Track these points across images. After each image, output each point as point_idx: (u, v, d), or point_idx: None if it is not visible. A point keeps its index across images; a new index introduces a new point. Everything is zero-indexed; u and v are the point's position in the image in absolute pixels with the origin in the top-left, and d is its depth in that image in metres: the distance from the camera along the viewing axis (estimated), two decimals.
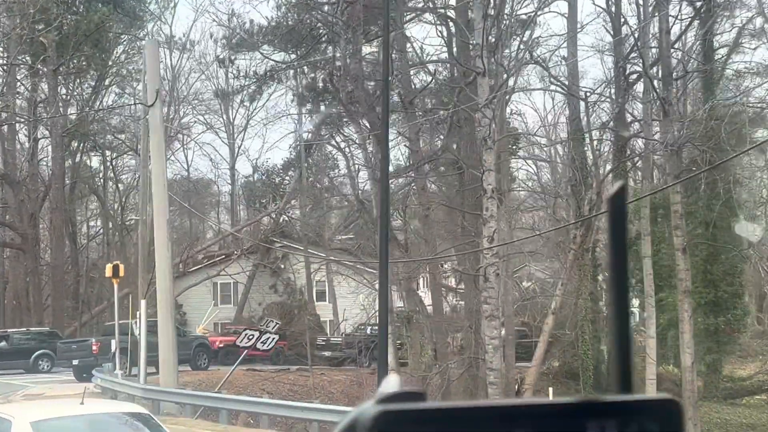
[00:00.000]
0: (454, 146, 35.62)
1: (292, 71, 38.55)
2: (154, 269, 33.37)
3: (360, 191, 36.75)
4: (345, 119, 34.73)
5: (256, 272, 62.30)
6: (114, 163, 68.94)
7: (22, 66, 54.82)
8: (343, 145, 45.34)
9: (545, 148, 44.78)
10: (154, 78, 25.84)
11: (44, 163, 61.57)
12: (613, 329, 1.08)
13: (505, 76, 27.52)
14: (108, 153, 67.52)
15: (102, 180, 68.75)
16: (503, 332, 25.37)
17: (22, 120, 54.63)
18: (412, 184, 33.92)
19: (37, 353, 40.50)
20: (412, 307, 32.23)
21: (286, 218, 67.66)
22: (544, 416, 0.99)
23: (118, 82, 65.48)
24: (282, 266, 64.26)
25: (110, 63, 62.26)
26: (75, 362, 35.00)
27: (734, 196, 40.79)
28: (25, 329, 44.48)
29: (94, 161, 68.99)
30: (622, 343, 1.06)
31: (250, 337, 26.99)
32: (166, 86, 63.46)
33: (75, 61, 55.53)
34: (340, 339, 44.72)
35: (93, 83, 61.54)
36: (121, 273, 32.02)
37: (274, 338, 27.21)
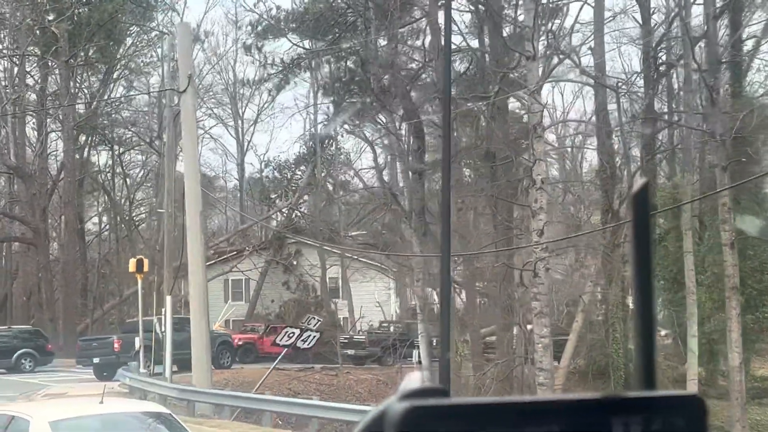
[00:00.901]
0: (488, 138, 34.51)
1: (315, 62, 37.29)
2: (179, 263, 32.24)
3: (386, 184, 35.49)
4: (373, 109, 33.46)
5: (268, 269, 61.17)
6: (122, 158, 67.65)
7: (33, 57, 53.52)
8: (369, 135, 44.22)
9: (572, 140, 43.61)
10: (186, 62, 24.63)
11: (52, 158, 60.43)
12: (636, 326, 1.09)
13: (555, 60, 26.27)
14: (116, 148, 66.23)
15: (111, 175, 67.45)
16: (545, 330, 24.14)
17: (32, 111, 53.37)
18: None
19: (19, 352, 39.17)
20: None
21: (299, 213, 66.51)
22: (569, 412, 0.99)
23: (126, 75, 64.28)
24: (295, 263, 63.12)
25: (120, 55, 61.08)
26: (96, 360, 33.77)
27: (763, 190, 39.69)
28: (6, 327, 43.11)
29: (102, 156, 67.84)
30: (646, 340, 1.08)
31: (291, 335, 25.78)
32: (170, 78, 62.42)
33: (88, 52, 54.18)
34: (363, 337, 43.45)
35: (102, 76, 60.25)
36: (146, 268, 30.83)
37: (315, 336, 26.03)
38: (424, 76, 31.04)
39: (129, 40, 61.02)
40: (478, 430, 0.98)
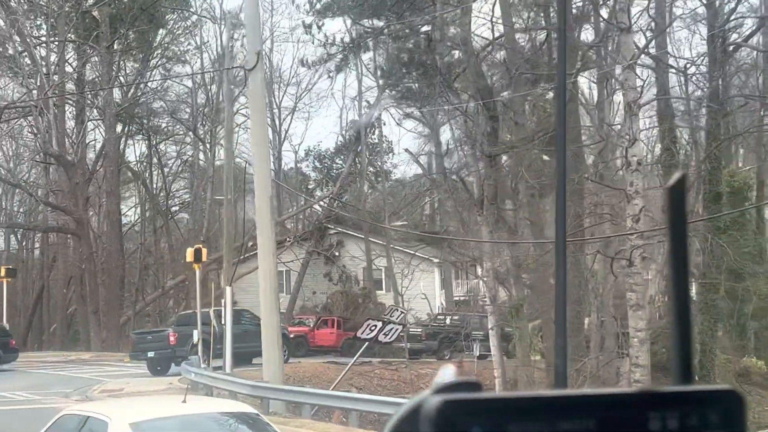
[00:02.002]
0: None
1: (373, 42, 35.69)
2: (241, 250, 30.81)
3: (448, 169, 33.89)
4: (438, 90, 31.84)
5: (309, 260, 59.74)
6: (158, 148, 66.28)
7: (73, 43, 52.18)
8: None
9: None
10: (255, 37, 23.12)
11: (89, 147, 59.18)
12: (673, 319, 1.09)
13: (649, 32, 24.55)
14: (153, 137, 64.89)
15: (149, 164, 66.12)
16: (642, 323, 22.49)
17: (75, 94, 52.06)
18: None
19: None
20: (521, 294, 29.36)
21: (343, 203, 65.02)
22: (605, 407, 0.98)
23: (164, 63, 62.94)
24: (337, 253, 61.69)
25: (158, 43, 59.78)
26: (150, 354, 32.36)
27: None
28: None
29: (136, 146, 66.53)
30: (683, 334, 1.07)
31: (373, 327, 24.28)
32: (209, 64, 61.04)
33: (129, 38, 52.81)
34: (419, 330, 41.87)
35: (139, 64, 58.88)
36: (204, 258, 29.41)
37: (397, 329, 24.50)
38: (495, 52, 29.44)
39: (166, 28, 59.72)
40: (513, 424, 0.96)
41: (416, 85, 35.95)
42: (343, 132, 65.83)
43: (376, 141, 67.20)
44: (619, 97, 32.61)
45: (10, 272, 46.31)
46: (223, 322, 28.69)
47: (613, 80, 24.29)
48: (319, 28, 37.06)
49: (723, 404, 0.98)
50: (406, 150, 51.93)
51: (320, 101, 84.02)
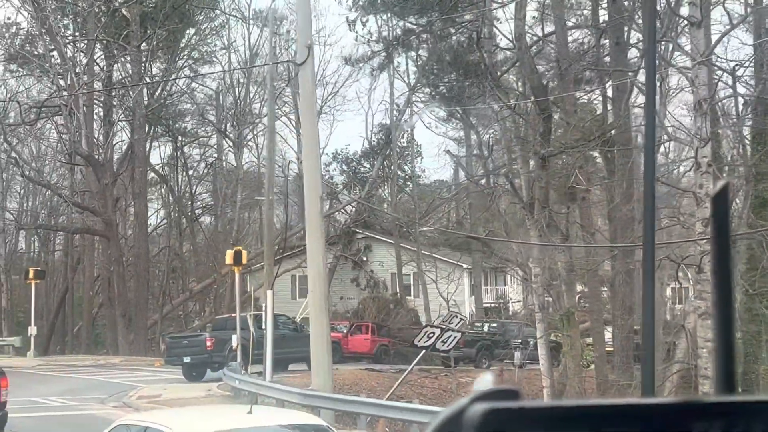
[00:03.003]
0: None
1: (415, 40, 34.72)
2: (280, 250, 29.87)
3: (490, 171, 32.83)
4: (483, 89, 30.82)
5: (337, 264, 58.74)
6: (183, 151, 65.41)
7: (101, 42, 51.35)
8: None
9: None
10: (306, 32, 22.14)
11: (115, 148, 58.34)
12: (716, 329, 1.09)
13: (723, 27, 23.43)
14: (180, 139, 64.07)
15: (175, 166, 65.28)
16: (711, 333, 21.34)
17: (100, 95, 51.28)
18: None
19: None
20: (572, 301, 28.25)
21: (371, 207, 64.01)
22: (648, 416, 0.98)
23: (190, 64, 62.15)
24: (365, 258, 60.74)
25: (186, 42, 59.00)
26: (186, 359, 31.37)
27: None
28: None
29: (158, 149, 65.68)
30: (726, 343, 1.07)
31: (431, 335, 23.23)
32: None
33: (160, 37, 51.96)
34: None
35: (165, 64, 58.02)
36: (244, 260, 28.44)
37: (456, 337, 23.44)
38: (548, 49, 28.40)
39: (196, 27, 58.90)
40: None
41: (458, 84, 34.91)
42: (371, 135, 64.76)
43: (405, 144, 66.22)
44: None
45: (39, 274, 45.54)
46: (263, 327, 27.76)
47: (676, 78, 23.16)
48: (363, 24, 36.14)
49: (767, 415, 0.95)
50: (447, 152, 50.81)
51: (346, 104, 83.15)
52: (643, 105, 31.50)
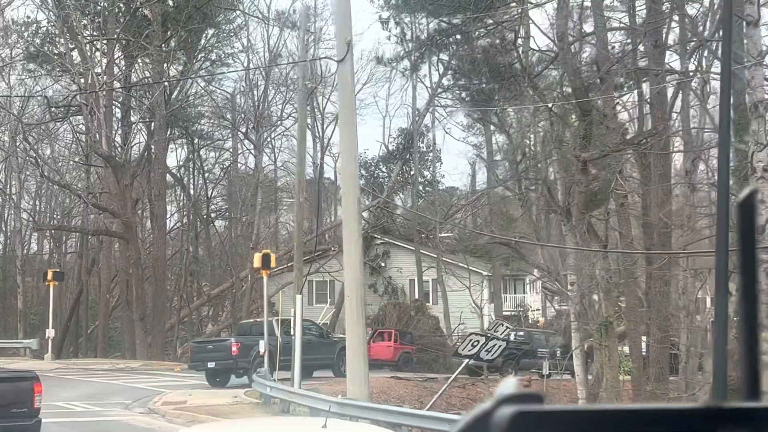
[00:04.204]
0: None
1: (447, 41, 33.88)
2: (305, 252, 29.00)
3: (525, 175, 32.05)
4: (517, 92, 30.02)
5: None
6: (200, 153, 64.67)
7: (120, 42, 50.68)
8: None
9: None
10: (345, 27, 21.39)
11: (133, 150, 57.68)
12: (741, 335, 1.10)
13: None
14: (196, 141, 63.38)
15: (191, 169, 64.59)
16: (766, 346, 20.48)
17: (119, 94, 50.63)
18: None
19: None
20: (611, 310, 27.38)
21: (392, 213, 63.28)
22: (673, 421, 0.99)
23: (207, 66, 61.43)
24: (383, 264, 59.96)
25: (204, 43, 58.33)
26: (210, 365, 30.61)
27: None
28: None
29: (175, 152, 64.96)
30: (751, 349, 1.07)
31: (475, 343, 22.39)
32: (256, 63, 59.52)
33: (179, 38, 51.27)
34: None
35: (183, 65, 57.29)
36: (273, 263, 27.68)
37: (501, 346, 22.60)
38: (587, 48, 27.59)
39: (218, 28, 58.21)
40: None
41: (489, 86, 34.07)
42: (388, 140, 64.00)
43: (424, 149, 65.46)
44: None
45: (57, 276, 44.85)
46: (292, 333, 27.02)
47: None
48: (397, 23, 35.27)
49: None
50: (478, 155, 49.97)
51: (365, 108, 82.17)
52: (679, 110, 30.71)
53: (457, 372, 24.34)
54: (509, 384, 1.06)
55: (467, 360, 23.30)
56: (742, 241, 1.09)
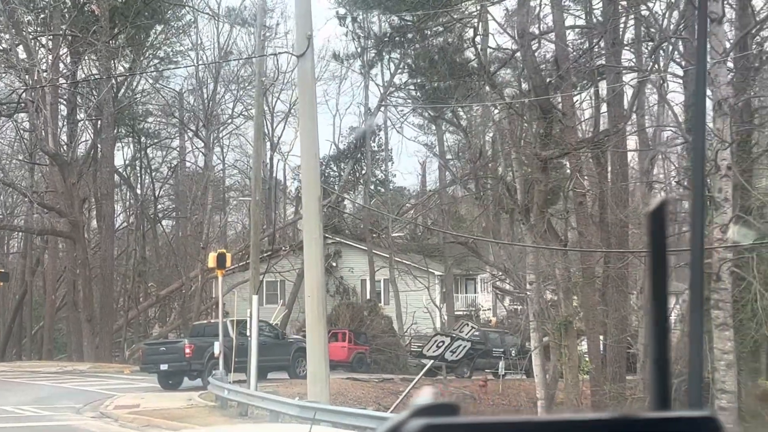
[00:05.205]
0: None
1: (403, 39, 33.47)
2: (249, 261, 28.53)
3: (479, 173, 31.79)
4: (474, 91, 29.74)
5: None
6: (147, 152, 63.63)
7: (67, 38, 49.55)
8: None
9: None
10: (305, 21, 20.91)
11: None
12: (652, 345, 1.09)
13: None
14: (143, 140, 62.38)
15: (139, 168, 63.53)
16: (729, 345, 20.47)
17: (66, 91, 49.55)
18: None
19: None
20: (570, 309, 27.22)
21: (343, 212, 62.85)
22: (585, 431, 0.98)
23: (155, 64, 60.44)
24: (334, 264, 59.43)
25: (151, 41, 57.41)
26: (163, 367, 29.90)
27: None
28: None
29: (121, 151, 63.74)
30: (660, 358, 1.07)
31: (440, 344, 22.01)
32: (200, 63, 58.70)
33: (127, 34, 50.28)
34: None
35: (129, 63, 56.26)
36: (228, 263, 27.08)
37: (465, 347, 22.24)
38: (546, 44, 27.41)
39: (167, 24, 57.29)
40: None
41: (445, 84, 33.77)
42: (340, 138, 63.54)
43: (376, 149, 65.11)
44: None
45: (2, 276, 43.74)
46: (246, 333, 26.51)
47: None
48: (354, 19, 34.79)
49: (701, 430, 0.95)
50: (435, 154, 49.68)
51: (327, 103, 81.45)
52: (629, 108, 30.66)
53: (422, 372, 23.97)
54: (426, 394, 1.01)
55: (432, 361, 22.94)
56: (653, 248, 1.08)
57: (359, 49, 36.78)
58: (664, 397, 1.06)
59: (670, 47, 26.53)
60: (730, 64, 22.80)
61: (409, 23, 32.12)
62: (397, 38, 34.67)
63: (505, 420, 0.96)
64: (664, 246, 1.11)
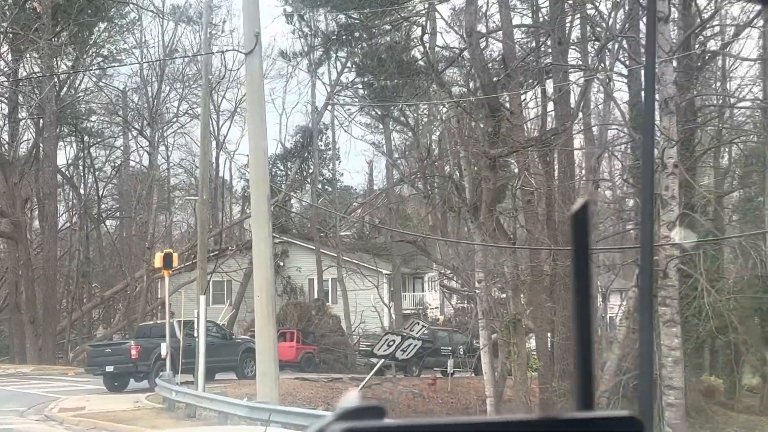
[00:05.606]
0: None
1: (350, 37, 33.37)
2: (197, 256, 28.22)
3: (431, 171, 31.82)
4: (422, 89, 29.76)
5: (252, 270, 56.92)
6: (90, 152, 62.76)
7: (7, 36, 48.76)
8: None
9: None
10: (253, 19, 20.73)
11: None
12: (575, 345, 1.09)
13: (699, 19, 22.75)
14: (87, 139, 61.53)
15: (82, 168, 62.64)
16: (676, 341, 20.68)
17: (4, 90, 48.76)
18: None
19: None
20: (518, 307, 27.31)
21: (290, 211, 62.54)
22: None
23: (99, 62, 59.67)
24: (281, 264, 59.11)
25: (95, 39, 56.66)
26: (109, 368, 29.48)
27: None
28: None
29: (64, 150, 62.81)
30: (584, 359, 1.07)
31: (390, 343, 21.91)
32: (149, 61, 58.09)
33: (70, 31, 49.56)
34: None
35: (73, 61, 55.48)
36: (175, 263, 26.78)
37: (415, 345, 22.17)
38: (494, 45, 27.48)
39: (111, 22, 56.55)
40: None
41: (393, 83, 33.75)
42: (287, 137, 63.23)
43: (323, 148, 64.92)
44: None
45: None
46: (194, 334, 26.24)
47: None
48: (302, 17, 34.59)
49: (623, 430, 0.96)
50: (382, 153, 49.67)
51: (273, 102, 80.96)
52: (572, 106, 30.89)
53: (373, 371, 23.92)
54: (351, 397, 1.01)
55: (382, 360, 22.86)
56: (576, 249, 1.07)
57: (306, 48, 36.63)
58: (588, 398, 1.06)
59: (616, 46, 26.77)
60: (674, 63, 23.09)
61: (356, 21, 32.14)
62: (344, 36, 34.64)
63: (430, 422, 0.96)
64: (588, 246, 1.10)
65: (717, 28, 28.05)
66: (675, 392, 20.51)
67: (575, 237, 1.09)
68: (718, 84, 32.51)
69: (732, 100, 30.16)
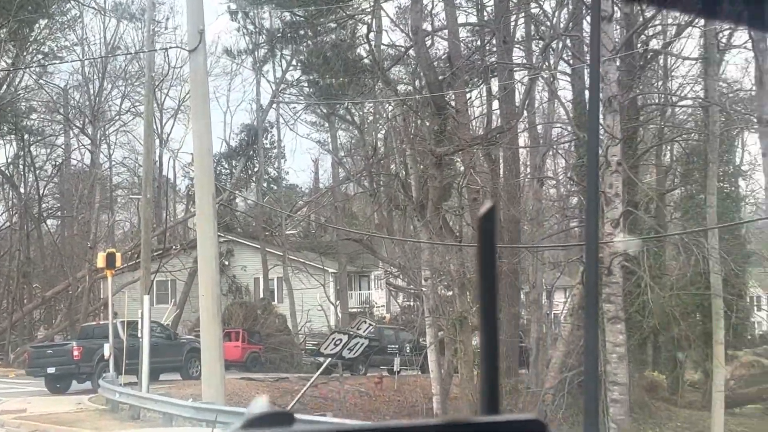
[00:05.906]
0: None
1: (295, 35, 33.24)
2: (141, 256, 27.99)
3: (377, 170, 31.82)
4: (366, 86, 29.72)
5: (197, 269, 56.43)
6: (31, 150, 61.80)
7: None
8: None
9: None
10: (197, 16, 20.52)
11: None
12: (481, 351, 1.09)
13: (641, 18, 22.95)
14: (27, 137, 60.58)
15: (23, 166, 61.66)
16: (621, 338, 20.89)
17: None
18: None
19: None
20: (464, 305, 27.39)
21: (235, 210, 62.14)
22: None
23: (39, 59, 58.79)
24: (226, 263, 58.74)
25: (35, 35, 55.83)
26: (51, 370, 29.06)
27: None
28: None
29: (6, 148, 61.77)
30: (490, 365, 1.07)
31: (338, 342, 21.81)
32: (88, 60, 57.39)
33: (9, 28, 48.77)
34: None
35: (12, 59, 54.66)
36: (118, 263, 26.46)
37: (362, 344, 22.10)
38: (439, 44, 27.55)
39: (51, 18, 55.72)
40: None
41: (338, 81, 33.69)
42: (232, 136, 62.82)
43: (268, 146, 64.61)
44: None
45: None
46: (138, 335, 25.96)
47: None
48: (246, 15, 34.39)
49: None
50: (328, 151, 49.52)
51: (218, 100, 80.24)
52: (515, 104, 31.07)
53: (320, 371, 23.80)
54: (259, 403, 1.00)
55: (329, 359, 22.80)
56: (482, 251, 1.07)
57: (251, 45, 36.45)
58: (494, 400, 1.05)
59: (560, 45, 26.98)
60: (617, 62, 23.33)
61: (301, 19, 32.03)
62: (289, 34, 34.53)
63: (338, 427, 0.97)
64: (494, 248, 1.11)
65: (659, 28, 28.41)
66: (619, 388, 20.71)
67: (481, 240, 1.09)
68: (660, 83, 32.91)
69: (673, 99, 30.56)
